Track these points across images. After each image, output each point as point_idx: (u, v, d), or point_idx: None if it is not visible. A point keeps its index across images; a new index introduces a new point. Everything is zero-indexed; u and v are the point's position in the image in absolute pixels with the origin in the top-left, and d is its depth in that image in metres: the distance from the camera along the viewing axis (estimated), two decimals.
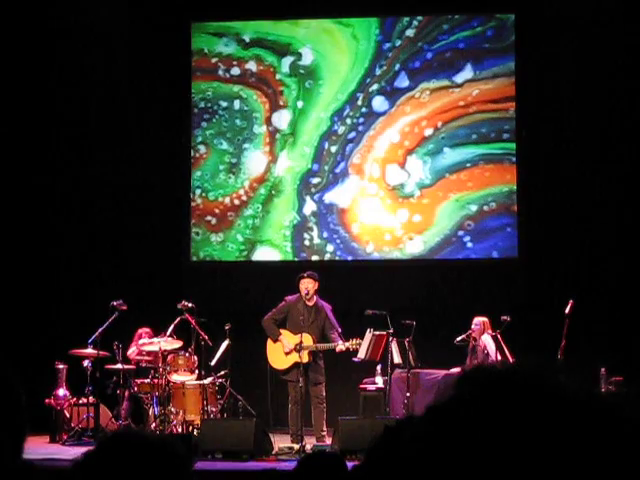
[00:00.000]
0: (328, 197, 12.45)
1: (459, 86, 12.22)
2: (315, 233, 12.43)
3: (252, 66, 12.63)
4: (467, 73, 12.22)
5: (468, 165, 12.16)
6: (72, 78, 12.22)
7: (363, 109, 12.41)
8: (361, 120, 12.42)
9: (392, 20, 12.40)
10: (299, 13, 12.51)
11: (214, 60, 12.68)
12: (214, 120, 12.66)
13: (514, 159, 12.07)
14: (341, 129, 12.46)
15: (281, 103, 12.57)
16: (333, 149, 12.47)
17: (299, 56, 12.53)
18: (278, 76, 12.58)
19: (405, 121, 12.32)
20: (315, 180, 12.49)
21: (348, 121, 12.44)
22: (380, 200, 12.31)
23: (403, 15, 12.36)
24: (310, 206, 12.46)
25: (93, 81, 12.16)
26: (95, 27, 12.08)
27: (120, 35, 12.18)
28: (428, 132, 12.28)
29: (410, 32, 12.36)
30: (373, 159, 12.38)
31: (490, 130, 12.18)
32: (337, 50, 12.48)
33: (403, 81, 12.37)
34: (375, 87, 12.40)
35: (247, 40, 12.62)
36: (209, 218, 12.58)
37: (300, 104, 12.53)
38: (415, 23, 12.37)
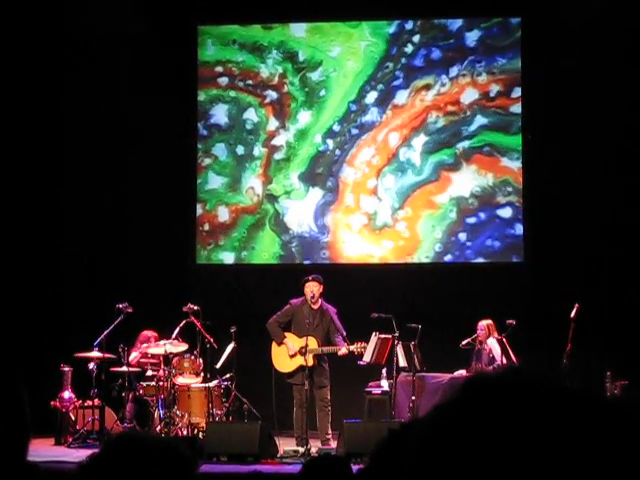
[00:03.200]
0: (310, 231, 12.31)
1: (441, 85, 12.12)
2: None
3: (265, 77, 12.44)
4: (448, 76, 12.12)
5: (432, 179, 12.11)
6: (78, 84, 12.22)
7: (353, 123, 12.25)
8: (347, 137, 12.26)
9: (400, 22, 12.29)
10: (311, 16, 12.45)
11: (227, 69, 12.52)
12: (221, 129, 12.55)
13: (464, 164, 12.04)
14: (328, 152, 12.29)
15: (286, 120, 12.39)
16: (319, 170, 12.32)
17: (313, 68, 12.33)
18: (288, 88, 12.39)
19: (381, 136, 12.19)
20: None
21: (338, 139, 12.28)
22: (359, 234, 12.22)
23: (409, 17, 12.30)
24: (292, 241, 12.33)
25: (99, 85, 12.15)
26: (101, 30, 12.06)
27: (127, 40, 12.14)
28: (395, 145, 12.16)
29: (414, 34, 12.25)
30: (351, 183, 12.23)
31: (447, 135, 12.12)
32: (353, 58, 12.30)
33: (398, 82, 12.25)
34: (371, 93, 12.23)
35: (263, 50, 12.44)
36: (200, 229, 12.52)
37: (302, 123, 12.33)
38: (420, 24, 12.26)
